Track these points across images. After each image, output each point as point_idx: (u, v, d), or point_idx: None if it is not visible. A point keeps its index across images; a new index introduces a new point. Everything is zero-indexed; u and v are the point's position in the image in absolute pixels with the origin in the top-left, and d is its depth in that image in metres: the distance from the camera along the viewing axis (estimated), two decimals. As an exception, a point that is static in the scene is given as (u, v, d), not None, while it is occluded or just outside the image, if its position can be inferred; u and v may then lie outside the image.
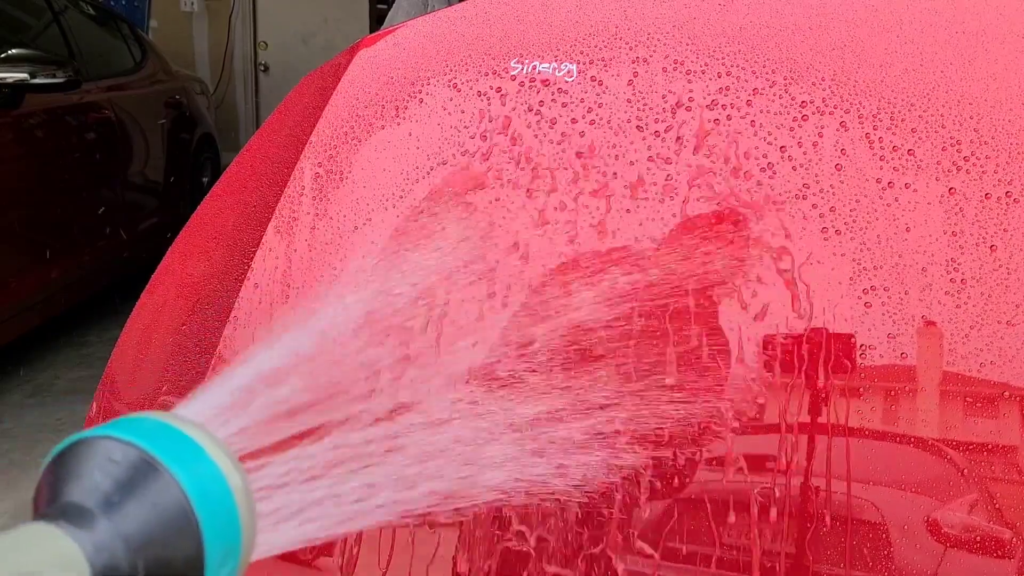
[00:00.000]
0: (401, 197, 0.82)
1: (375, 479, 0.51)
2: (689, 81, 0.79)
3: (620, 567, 0.70)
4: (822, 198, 0.72)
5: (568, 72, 0.82)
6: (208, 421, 0.44)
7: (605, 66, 0.82)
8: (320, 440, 0.50)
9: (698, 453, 0.69)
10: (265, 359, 0.49)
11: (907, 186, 0.71)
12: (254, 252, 0.87)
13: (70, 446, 0.39)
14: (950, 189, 0.71)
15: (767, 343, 0.70)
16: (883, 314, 0.68)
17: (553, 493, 0.62)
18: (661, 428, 0.69)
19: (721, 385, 0.69)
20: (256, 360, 0.49)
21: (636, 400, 0.69)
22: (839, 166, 0.73)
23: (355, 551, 0.77)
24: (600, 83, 0.81)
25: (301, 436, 0.49)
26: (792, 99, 0.76)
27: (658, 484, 0.69)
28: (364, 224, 0.83)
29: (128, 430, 0.39)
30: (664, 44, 0.81)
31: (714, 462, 0.69)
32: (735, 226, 0.73)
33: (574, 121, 0.80)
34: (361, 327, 0.56)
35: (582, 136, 0.79)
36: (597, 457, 0.65)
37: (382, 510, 0.51)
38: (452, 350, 0.71)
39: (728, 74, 0.78)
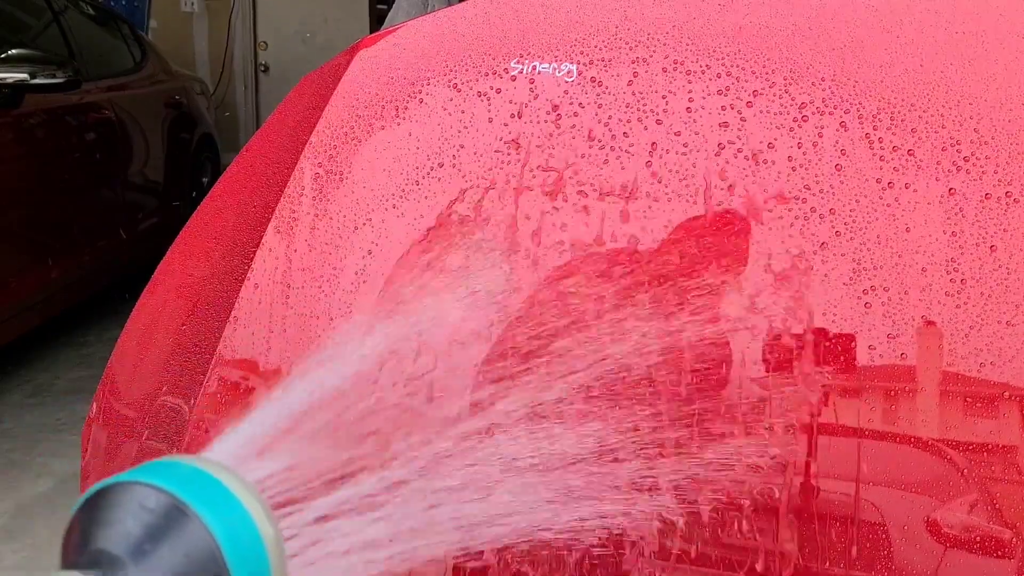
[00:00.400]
0: (401, 197, 0.82)
1: (407, 523, 0.50)
2: (689, 82, 0.79)
3: (622, 566, 0.70)
4: (822, 199, 0.72)
5: (568, 72, 0.82)
6: (240, 464, 0.43)
7: (605, 66, 0.82)
8: (352, 484, 0.48)
9: (698, 453, 0.69)
10: (298, 397, 0.48)
11: (907, 186, 0.71)
12: (254, 252, 0.87)
13: (101, 490, 0.39)
14: (950, 189, 0.71)
15: (767, 343, 0.69)
16: (883, 314, 0.68)
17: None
18: (664, 429, 0.69)
19: (722, 386, 0.69)
20: (289, 398, 0.48)
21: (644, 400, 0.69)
22: (839, 166, 0.73)
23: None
24: (600, 83, 0.81)
25: (334, 479, 0.47)
26: (792, 99, 0.76)
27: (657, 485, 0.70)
28: (364, 224, 0.83)
29: (160, 475, 0.38)
30: (664, 44, 0.81)
31: (713, 462, 0.69)
32: (735, 228, 0.73)
33: (574, 120, 0.80)
34: (399, 361, 0.55)
35: (581, 136, 0.79)
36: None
37: (415, 552, 0.50)
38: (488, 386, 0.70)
39: (728, 74, 0.78)
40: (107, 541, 0.37)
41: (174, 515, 0.37)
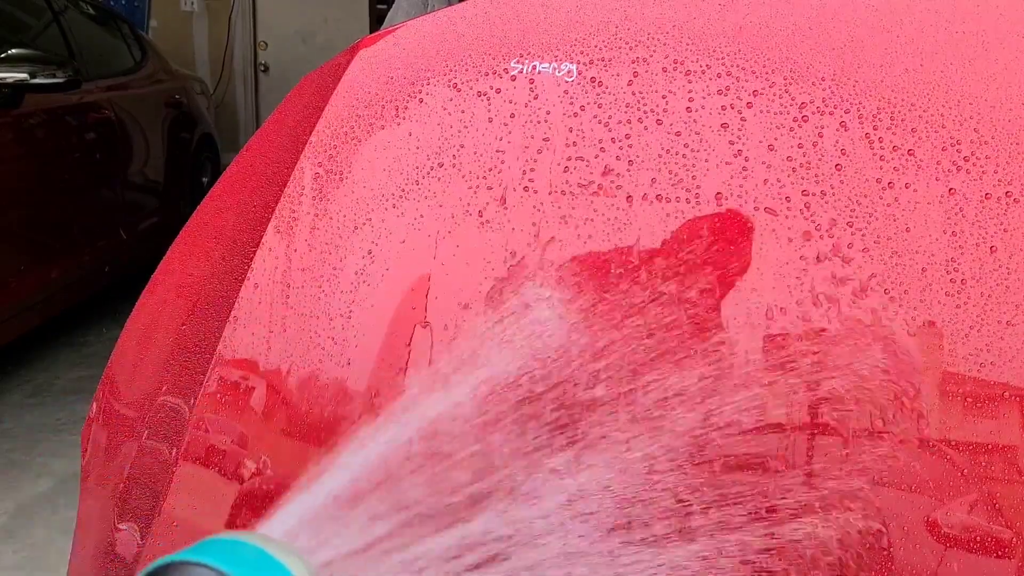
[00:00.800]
0: (401, 197, 0.82)
1: None
2: (689, 82, 0.79)
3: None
4: (822, 199, 0.72)
5: (568, 72, 0.82)
6: (301, 540, 0.42)
7: (605, 66, 0.82)
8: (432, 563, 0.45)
9: (697, 452, 0.69)
10: (368, 462, 0.45)
11: (907, 186, 0.71)
12: (254, 252, 0.87)
13: (161, 568, 0.38)
14: (950, 189, 0.71)
15: (767, 343, 0.69)
16: (883, 314, 0.68)
17: None
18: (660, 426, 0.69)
19: (719, 382, 0.69)
20: (357, 463, 0.44)
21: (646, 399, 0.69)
22: (839, 166, 0.73)
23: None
24: (600, 83, 0.81)
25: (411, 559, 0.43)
26: (792, 99, 0.76)
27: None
28: (364, 224, 0.83)
29: (222, 557, 0.38)
30: (664, 44, 0.81)
31: (713, 462, 0.69)
32: (734, 229, 0.73)
33: (573, 120, 0.80)
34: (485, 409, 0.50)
35: (580, 136, 0.79)
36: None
37: None
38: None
39: (728, 74, 0.78)
40: None
41: None
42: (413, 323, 0.77)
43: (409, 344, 0.77)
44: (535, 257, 0.76)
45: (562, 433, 0.65)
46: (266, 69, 7.99)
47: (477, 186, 0.80)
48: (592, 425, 0.66)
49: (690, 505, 0.67)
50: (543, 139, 0.80)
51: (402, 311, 0.79)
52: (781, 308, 0.70)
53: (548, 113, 0.81)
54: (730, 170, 0.75)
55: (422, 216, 0.81)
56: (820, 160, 0.73)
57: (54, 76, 3.46)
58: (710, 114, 0.77)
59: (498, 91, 0.84)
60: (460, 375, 0.55)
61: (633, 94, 0.80)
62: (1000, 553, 0.64)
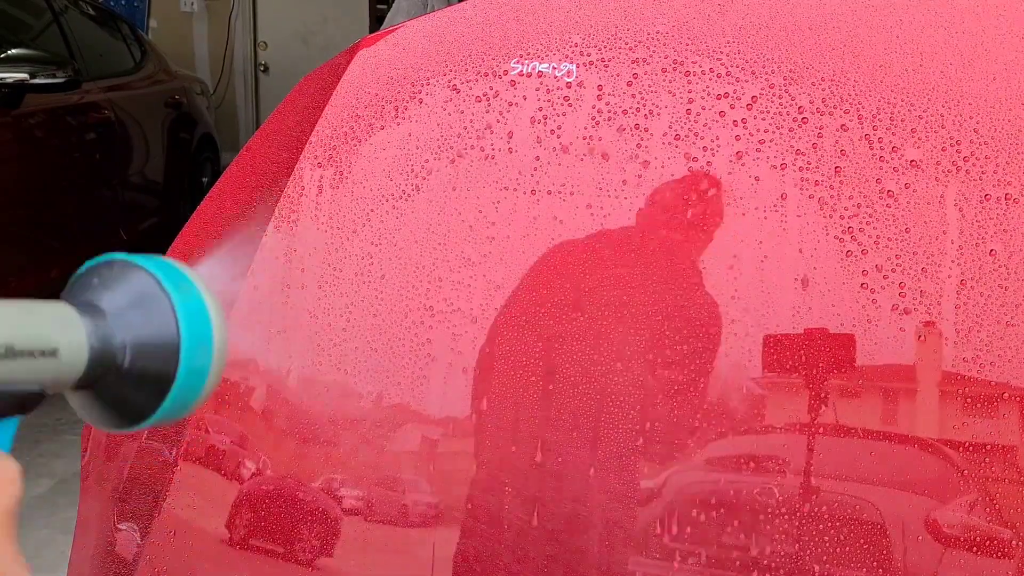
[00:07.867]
0: (401, 197, 0.83)
1: None
2: (688, 82, 0.79)
3: (620, 567, 0.70)
4: (822, 200, 0.72)
5: (567, 72, 0.82)
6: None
7: (605, 67, 0.82)
8: None
9: (698, 453, 0.69)
10: None
11: (907, 187, 0.71)
12: (254, 252, 0.87)
13: (103, 263, 0.48)
14: (950, 190, 0.71)
15: (767, 343, 0.70)
16: (883, 314, 0.69)
17: None
18: (659, 427, 0.69)
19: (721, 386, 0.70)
20: None
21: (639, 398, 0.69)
22: (839, 168, 0.73)
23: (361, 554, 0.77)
24: (599, 84, 0.81)
25: None
26: (792, 100, 0.76)
27: (656, 484, 0.70)
28: (364, 224, 0.83)
29: (148, 262, 0.49)
30: (664, 45, 0.81)
31: (713, 462, 0.69)
32: (734, 228, 0.73)
33: (573, 120, 0.80)
34: None
35: (580, 137, 0.79)
36: None
37: None
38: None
39: (728, 75, 0.78)
40: (95, 296, 0.48)
41: (151, 292, 0.48)
42: (412, 324, 0.78)
43: (408, 345, 0.77)
44: (533, 257, 0.76)
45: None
46: (266, 69, 7.99)
47: (477, 186, 0.80)
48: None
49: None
50: (542, 139, 0.80)
51: (401, 312, 0.79)
52: (781, 307, 0.70)
53: (547, 114, 0.81)
54: (729, 171, 0.75)
55: (421, 217, 0.81)
56: (820, 161, 0.73)
57: (54, 76, 3.46)
58: (710, 114, 0.77)
59: (497, 92, 0.84)
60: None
61: (633, 95, 0.80)
62: (1000, 553, 0.65)
